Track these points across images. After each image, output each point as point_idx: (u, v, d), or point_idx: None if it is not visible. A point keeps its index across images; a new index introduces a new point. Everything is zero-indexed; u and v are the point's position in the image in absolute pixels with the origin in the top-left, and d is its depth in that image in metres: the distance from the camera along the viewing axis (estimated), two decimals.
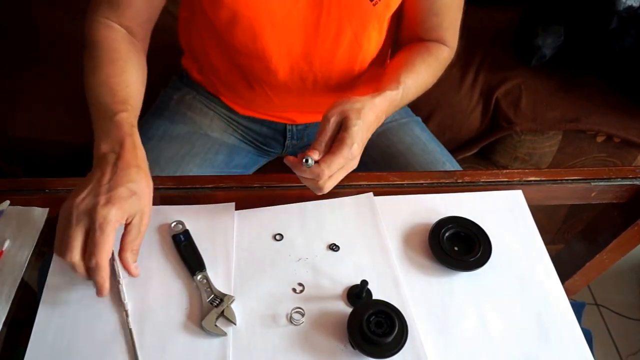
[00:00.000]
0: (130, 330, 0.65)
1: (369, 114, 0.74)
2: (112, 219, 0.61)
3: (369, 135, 0.77)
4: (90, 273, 0.62)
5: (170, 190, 0.80)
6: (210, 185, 0.81)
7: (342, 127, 0.72)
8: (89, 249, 0.61)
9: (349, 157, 0.70)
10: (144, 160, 0.70)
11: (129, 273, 0.67)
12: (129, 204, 0.63)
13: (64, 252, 0.61)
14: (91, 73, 0.77)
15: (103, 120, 0.71)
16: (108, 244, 0.61)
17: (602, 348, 1.67)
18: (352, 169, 0.74)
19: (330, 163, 0.68)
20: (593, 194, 0.86)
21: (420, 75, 0.90)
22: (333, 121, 0.71)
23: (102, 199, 0.62)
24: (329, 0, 0.83)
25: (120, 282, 0.69)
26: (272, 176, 0.82)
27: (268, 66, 0.91)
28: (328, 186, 0.70)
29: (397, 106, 0.85)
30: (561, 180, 0.85)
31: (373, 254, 0.74)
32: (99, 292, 0.62)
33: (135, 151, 0.68)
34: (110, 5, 0.82)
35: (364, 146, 0.75)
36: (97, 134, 0.70)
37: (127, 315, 0.66)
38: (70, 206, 0.62)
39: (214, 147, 1.04)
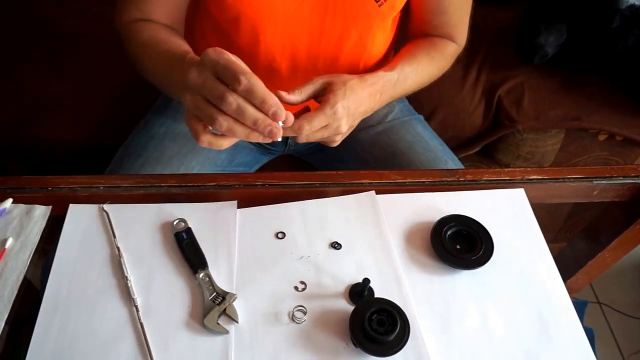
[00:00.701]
0: (141, 324, 0.65)
1: (357, 87, 0.75)
2: (222, 50, 0.59)
3: (363, 112, 0.78)
4: (252, 99, 0.59)
5: (173, 188, 0.80)
6: (212, 184, 0.81)
7: (326, 90, 0.72)
8: (230, 80, 0.58)
9: (331, 117, 0.70)
10: None
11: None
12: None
13: (221, 101, 0.58)
14: (144, 53, 0.80)
15: (177, 68, 0.69)
16: (241, 63, 0.59)
17: (604, 347, 1.67)
18: (335, 135, 0.74)
19: (311, 119, 0.68)
20: (595, 193, 0.86)
21: (420, 65, 0.90)
22: (317, 80, 0.72)
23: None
24: (334, 1, 0.83)
25: (128, 278, 0.69)
26: (275, 174, 0.82)
27: (271, 65, 0.91)
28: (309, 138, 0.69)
29: (395, 90, 0.85)
30: (563, 178, 0.85)
31: (375, 252, 0.74)
32: (279, 112, 0.59)
33: None
34: (138, 8, 0.84)
35: (351, 117, 0.74)
36: (176, 79, 0.68)
37: (137, 310, 0.66)
38: (187, 84, 0.60)
39: None
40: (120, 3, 0.86)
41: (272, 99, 0.59)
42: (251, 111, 0.59)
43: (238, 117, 0.59)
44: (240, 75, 0.57)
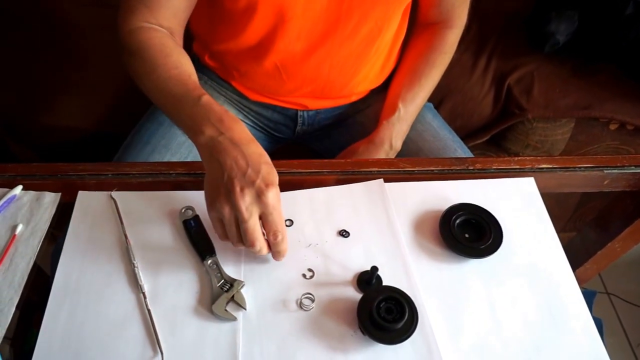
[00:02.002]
0: (149, 311, 0.65)
1: (365, 154, 0.97)
2: (277, 199, 0.64)
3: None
4: (274, 248, 0.66)
5: (181, 176, 0.81)
6: None
7: None
8: (270, 231, 0.65)
9: None
10: (248, 132, 0.69)
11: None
12: (275, 177, 0.65)
13: (250, 244, 0.64)
14: (149, 73, 0.76)
15: (189, 108, 0.69)
16: (283, 221, 0.65)
17: (612, 337, 1.67)
18: None
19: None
20: (606, 182, 0.85)
21: (423, 76, 1.01)
22: None
23: (261, 184, 0.63)
24: None
25: (136, 265, 0.69)
26: (282, 162, 0.82)
27: (286, 49, 0.90)
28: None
29: (407, 119, 0.99)
30: (573, 167, 0.84)
31: (383, 240, 0.74)
32: (281, 258, 0.68)
33: (240, 125, 0.68)
34: (148, 9, 0.81)
35: None
36: (188, 123, 0.69)
37: (145, 297, 0.67)
38: (234, 203, 0.62)
39: None
40: (124, 9, 0.82)
41: (285, 253, 0.68)
42: (264, 253, 0.67)
43: (248, 248, 0.66)
44: (279, 234, 0.65)
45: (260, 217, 0.64)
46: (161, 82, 0.74)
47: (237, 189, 0.62)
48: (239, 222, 0.63)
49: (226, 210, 0.63)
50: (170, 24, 0.83)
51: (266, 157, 0.66)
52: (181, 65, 0.76)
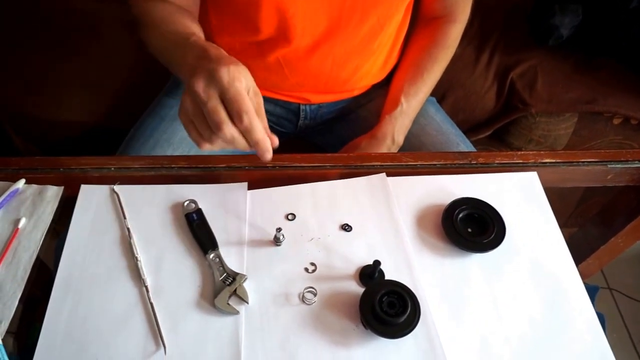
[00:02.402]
0: (151, 304, 0.66)
1: (367, 149, 0.97)
2: (235, 77, 0.59)
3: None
4: (247, 136, 0.62)
5: (183, 170, 0.80)
6: (222, 165, 0.81)
7: None
8: (233, 113, 0.60)
9: None
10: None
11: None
12: (241, 68, 0.61)
13: (217, 128, 0.60)
14: (153, 36, 0.80)
15: (179, 48, 0.70)
16: (247, 100, 0.60)
17: (614, 332, 1.67)
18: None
19: None
20: (609, 177, 0.85)
21: (425, 71, 1.00)
22: None
23: (214, 65, 0.60)
24: None
25: (138, 259, 0.69)
26: (285, 156, 0.82)
27: (289, 45, 0.90)
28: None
29: (409, 113, 0.99)
30: (577, 162, 0.84)
31: (386, 234, 0.74)
32: (265, 154, 0.63)
33: (221, 50, 0.66)
34: None
35: None
36: (177, 58, 0.70)
37: (147, 290, 0.67)
38: (192, 89, 0.60)
39: None
40: None
41: (265, 144, 0.63)
42: (242, 143, 0.62)
43: (227, 145, 0.63)
44: (243, 114, 0.59)
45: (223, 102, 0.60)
46: (162, 35, 0.77)
47: (194, 79, 0.60)
48: (203, 110, 0.61)
49: (188, 103, 0.62)
50: (181, 2, 0.85)
51: (234, 59, 0.63)
52: (182, 20, 0.78)
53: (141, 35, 0.84)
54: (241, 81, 0.60)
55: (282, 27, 0.87)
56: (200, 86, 0.60)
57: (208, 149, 0.65)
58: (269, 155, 0.64)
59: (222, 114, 0.60)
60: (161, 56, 0.78)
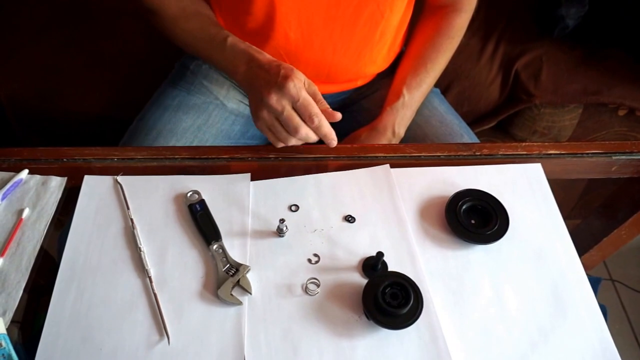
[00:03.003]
0: (155, 295, 0.66)
1: (368, 140, 0.96)
2: (300, 87, 0.72)
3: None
4: (317, 132, 0.74)
5: (186, 161, 0.80)
6: (226, 156, 0.81)
7: None
8: (305, 117, 0.73)
9: None
10: (271, 57, 0.79)
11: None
12: (298, 74, 0.73)
13: (294, 131, 0.73)
14: (172, 28, 0.90)
15: (218, 54, 0.84)
16: (314, 104, 0.73)
17: (616, 324, 1.67)
18: None
19: None
20: (614, 168, 0.85)
21: (429, 61, 0.99)
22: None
23: (281, 80, 0.72)
24: None
25: (142, 249, 0.69)
26: (288, 147, 0.81)
27: (287, 36, 0.90)
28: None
29: (412, 105, 0.98)
30: (581, 154, 0.83)
31: (389, 226, 0.74)
32: (332, 143, 0.76)
33: (264, 54, 0.79)
34: None
35: None
36: (223, 66, 0.85)
37: (151, 281, 0.67)
38: (266, 104, 0.73)
39: (230, 118, 1.03)
40: None
41: (331, 135, 0.76)
42: (313, 138, 0.76)
43: (300, 141, 0.77)
44: (314, 117, 0.72)
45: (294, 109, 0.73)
46: (186, 34, 0.89)
47: (265, 93, 0.73)
48: (279, 118, 0.73)
49: (265, 114, 0.74)
50: None
51: (282, 62, 0.75)
52: (199, 14, 0.89)
53: (152, 23, 0.88)
54: (304, 88, 0.72)
55: (276, 15, 0.87)
56: (273, 100, 0.72)
57: (281, 146, 0.78)
58: (334, 142, 0.76)
59: (297, 120, 0.73)
60: (187, 50, 0.90)
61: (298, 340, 0.63)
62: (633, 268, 1.78)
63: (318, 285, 0.67)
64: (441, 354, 0.62)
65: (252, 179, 0.78)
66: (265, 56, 0.78)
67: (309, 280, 0.68)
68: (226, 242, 0.71)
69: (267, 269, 0.69)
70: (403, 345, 0.63)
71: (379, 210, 0.75)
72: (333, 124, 1.14)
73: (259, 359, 0.62)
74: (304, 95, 0.72)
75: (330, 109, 0.76)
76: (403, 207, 0.75)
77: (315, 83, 1.03)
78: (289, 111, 0.72)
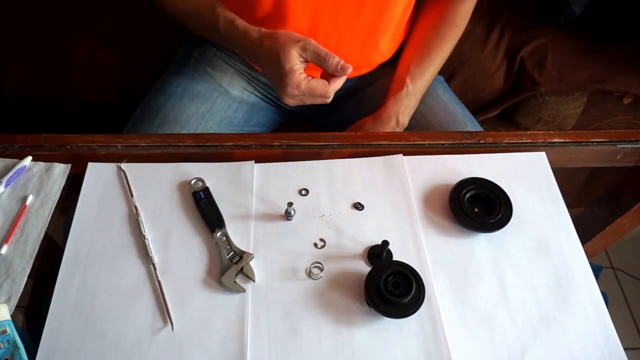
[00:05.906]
0: (159, 282, 0.66)
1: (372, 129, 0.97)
2: (295, 82, 0.77)
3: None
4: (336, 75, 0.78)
5: (190, 148, 0.80)
6: (230, 143, 0.81)
7: None
8: (318, 101, 0.80)
9: None
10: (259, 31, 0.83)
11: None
12: (291, 54, 0.77)
13: (325, 99, 0.80)
14: (178, 12, 0.94)
15: (214, 36, 0.90)
16: (318, 88, 0.78)
17: (617, 311, 1.67)
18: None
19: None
20: (618, 157, 0.84)
21: (433, 50, 0.99)
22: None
23: (280, 83, 0.79)
24: None
25: (146, 237, 0.70)
26: (292, 134, 0.81)
27: (291, 24, 0.89)
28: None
29: (415, 95, 0.98)
30: (586, 142, 0.83)
31: (397, 215, 0.74)
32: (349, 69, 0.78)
33: (250, 37, 0.83)
34: None
35: None
36: (232, 45, 0.90)
37: (155, 268, 0.67)
38: (284, 96, 0.80)
39: (233, 105, 1.03)
40: None
41: (339, 84, 0.80)
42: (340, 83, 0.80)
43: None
44: (324, 98, 0.79)
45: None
46: (187, 17, 0.93)
47: (276, 89, 0.81)
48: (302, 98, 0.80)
49: (290, 101, 0.81)
50: None
51: (271, 52, 0.79)
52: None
53: (163, 6, 0.93)
54: (303, 81, 0.77)
55: (282, 4, 0.86)
56: (286, 97, 0.80)
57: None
58: (349, 69, 0.77)
59: (318, 92, 0.78)
60: (190, 29, 0.96)
61: (299, 322, 0.64)
62: (634, 256, 1.78)
63: (322, 270, 0.68)
64: (440, 346, 0.63)
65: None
66: (252, 42, 0.82)
67: (313, 264, 0.68)
68: (230, 229, 0.71)
69: (273, 251, 0.69)
70: (402, 334, 0.63)
71: (389, 199, 0.75)
72: (339, 112, 1.14)
73: (260, 336, 0.63)
74: (304, 88, 0.77)
75: (343, 62, 0.77)
76: (413, 198, 0.75)
77: (319, 71, 1.03)
78: (306, 93, 0.78)
